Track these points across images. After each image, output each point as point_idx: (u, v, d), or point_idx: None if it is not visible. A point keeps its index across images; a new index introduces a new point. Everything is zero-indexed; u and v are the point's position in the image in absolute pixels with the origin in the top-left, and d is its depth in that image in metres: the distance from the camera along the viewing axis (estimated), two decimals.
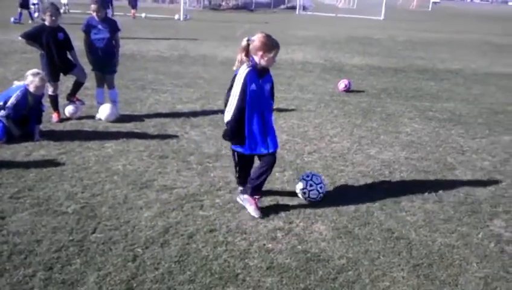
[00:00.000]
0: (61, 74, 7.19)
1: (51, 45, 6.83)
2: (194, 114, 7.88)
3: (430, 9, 65.98)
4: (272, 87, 4.66)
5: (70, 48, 7.08)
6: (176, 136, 6.68)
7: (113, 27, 7.29)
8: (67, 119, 7.21)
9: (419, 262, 3.82)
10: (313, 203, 4.74)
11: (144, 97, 8.80)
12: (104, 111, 7.19)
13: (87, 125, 7.01)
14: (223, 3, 42.58)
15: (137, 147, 6.16)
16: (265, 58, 4.38)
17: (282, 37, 20.67)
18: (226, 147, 6.27)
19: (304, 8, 44.91)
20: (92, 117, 7.33)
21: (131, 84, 9.56)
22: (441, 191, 5.22)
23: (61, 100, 7.43)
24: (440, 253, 3.97)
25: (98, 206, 4.51)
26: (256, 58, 4.40)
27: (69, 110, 7.23)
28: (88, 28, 7.14)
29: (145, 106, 8.23)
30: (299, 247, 3.95)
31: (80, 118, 7.28)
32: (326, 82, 11.30)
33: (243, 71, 4.37)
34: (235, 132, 4.43)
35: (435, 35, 26.17)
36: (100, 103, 7.46)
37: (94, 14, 7.12)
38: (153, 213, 4.40)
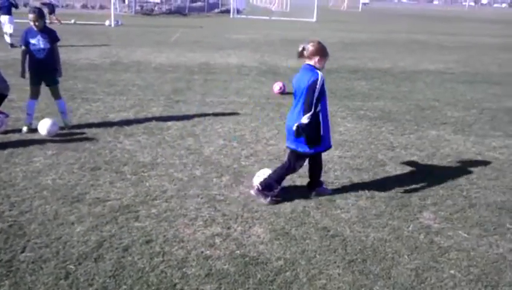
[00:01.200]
0: None
1: None
2: (128, 122, 7.71)
3: (360, 10, 68.32)
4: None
5: None
6: (108, 147, 6.50)
7: (52, 37, 7.04)
8: None
9: (353, 258, 3.93)
10: (250, 207, 4.76)
11: (74, 108, 8.50)
12: (45, 126, 6.81)
13: (14, 139, 6.68)
14: (156, 8, 41.98)
15: (67, 160, 5.93)
16: (322, 62, 4.90)
17: (216, 41, 20.80)
18: (162, 155, 6.19)
19: (238, 12, 45.20)
20: (19, 130, 7.00)
21: (62, 95, 9.19)
22: (373, 188, 5.40)
23: None
24: (373, 248, 4.11)
25: (27, 223, 4.30)
26: (312, 62, 4.88)
27: None
28: (27, 39, 6.84)
29: (75, 116, 7.95)
30: (238, 252, 3.95)
31: (5, 131, 6.92)
32: (262, 85, 11.41)
33: (321, 76, 4.77)
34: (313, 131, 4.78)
35: (365, 35, 27.09)
36: (30, 115, 7.14)
37: (32, 24, 6.84)
38: (86, 227, 4.25)
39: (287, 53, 17.46)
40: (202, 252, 3.93)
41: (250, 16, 43.74)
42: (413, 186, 5.51)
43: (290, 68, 14.06)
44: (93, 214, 4.52)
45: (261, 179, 4.99)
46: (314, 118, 4.71)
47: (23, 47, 6.95)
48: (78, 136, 6.95)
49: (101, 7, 40.59)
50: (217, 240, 4.12)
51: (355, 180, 5.65)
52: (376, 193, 5.26)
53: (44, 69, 7.04)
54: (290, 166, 5.06)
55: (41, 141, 6.60)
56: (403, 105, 9.79)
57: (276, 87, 10.43)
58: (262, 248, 4.02)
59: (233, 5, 43.60)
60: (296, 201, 4.97)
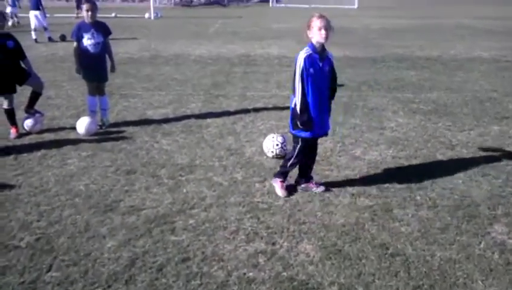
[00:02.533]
0: (17, 85, 6.61)
1: (0, 54, 6.23)
2: (166, 120, 7.37)
3: None
4: (332, 70, 4.76)
5: (23, 56, 6.48)
6: (145, 147, 6.17)
7: (106, 30, 6.81)
8: (27, 133, 6.62)
9: (419, 283, 3.40)
10: (297, 218, 4.30)
11: (112, 104, 8.21)
12: (83, 124, 6.54)
13: (48, 139, 6.45)
14: (195, 0, 41.80)
15: (102, 162, 5.63)
16: (310, 35, 4.54)
17: (256, 32, 20.29)
18: (201, 157, 5.81)
19: (277, 1, 44.43)
20: (54, 130, 6.77)
21: None
22: (434, 195, 4.82)
23: (20, 113, 6.84)
24: (441, 270, 3.56)
25: (56, 236, 3.99)
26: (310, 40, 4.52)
27: (27, 123, 6.64)
28: (80, 34, 6.57)
29: (112, 113, 7.66)
30: (284, 274, 3.50)
31: (41, 131, 6.71)
32: None
33: (302, 55, 4.47)
34: (309, 119, 4.52)
35: (409, 21, 25.94)
36: (94, 112, 6.93)
37: (87, 15, 6.56)
38: (118, 242, 3.89)
39: (328, 42, 16.74)
40: (244, 274, 3.49)
41: (289, 4, 42.92)
42: (480, 192, 4.89)
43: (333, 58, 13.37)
44: (127, 225, 4.17)
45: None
46: (302, 101, 4.45)
47: (75, 43, 6.69)
48: (115, 135, 6.65)
49: (141, 0, 40.73)
50: (261, 259, 3.68)
51: (413, 185, 5.07)
52: (438, 201, 4.68)
53: (99, 64, 6.85)
54: (292, 152, 4.81)
55: (76, 141, 6.33)
56: (459, 97, 9.03)
57: None
58: (312, 270, 3.55)
59: None
60: (348, 210, 4.47)
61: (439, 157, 5.90)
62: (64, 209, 4.45)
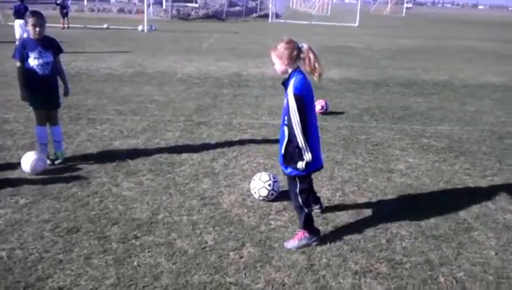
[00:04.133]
0: None
1: None
2: (134, 153, 6.23)
3: (404, 14, 65.76)
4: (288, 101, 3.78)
5: None
6: (100, 192, 5.01)
7: (56, 47, 5.65)
8: None
9: None
10: None
11: (74, 132, 7.09)
12: (28, 161, 5.38)
13: None
14: (193, 13, 40.94)
15: (41, 215, 4.47)
16: None
17: (252, 48, 19.23)
18: (166, 208, 4.68)
19: (277, 16, 43.72)
20: None
21: (65, 114, 7.80)
22: (461, 274, 3.69)
23: None
24: None
25: None
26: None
27: None
28: (25, 52, 5.41)
29: (72, 144, 6.52)
30: None
31: None
32: None
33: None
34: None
35: (412, 41, 25.06)
36: (44, 145, 5.80)
37: (32, 30, 5.42)
38: None
39: (328, 62, 15.73)
40: None
41: (289, 20, 42.13)
42: None
43: (332, 81, 12.34)
44: None
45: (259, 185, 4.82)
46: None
47: (18, 63, 5.53)
48: (67, 174, 5.50)
49: (138, 11, 39.78)
50: None
51: (433, 257, 3.93)
52: (468, 284, 3.53)
53: (49, 88, 5.64)
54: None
55: (18, 182, 5.18)
56: (474, 131, 7.94)
57: (318, 106, 8.74)
58: None
59: (272, 10, 42.14)
60: None
61: (462, 215, 4.76)
62: None
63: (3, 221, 4.32)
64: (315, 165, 3.91)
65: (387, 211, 4.78)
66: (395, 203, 4.96)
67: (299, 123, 3.68)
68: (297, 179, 3.95)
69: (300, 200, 3.99)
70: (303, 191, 3.99)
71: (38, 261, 3.70)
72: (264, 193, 4.83)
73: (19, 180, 5.25)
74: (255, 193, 4.88)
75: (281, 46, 3.83)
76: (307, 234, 4.04)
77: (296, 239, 4.05)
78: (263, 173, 4.99)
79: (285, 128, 3.84)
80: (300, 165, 3.77)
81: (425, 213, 4.73)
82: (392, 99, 10.25)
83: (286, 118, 3.81)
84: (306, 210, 4.03)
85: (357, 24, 37.50)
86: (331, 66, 14.87)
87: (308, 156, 3.73)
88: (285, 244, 4.06)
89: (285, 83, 3.88)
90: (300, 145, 3.71)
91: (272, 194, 4.86)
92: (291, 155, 3.83)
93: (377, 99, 10.19)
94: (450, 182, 5.64)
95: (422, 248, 4.07)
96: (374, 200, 5.05)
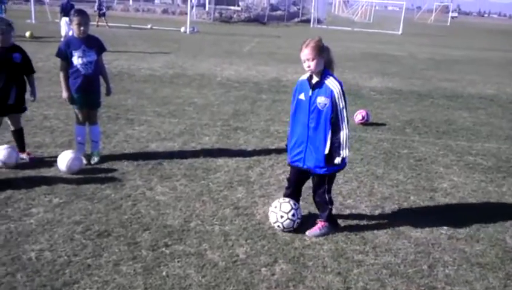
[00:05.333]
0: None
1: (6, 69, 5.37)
2: (169, 156, 6.17)
3: (448, 23, 64.19)
4: (333, 103, 3.96)
5: (31, 70, 5.69)
6: (133, 196, 4.95)
7: (99, 47, 5.67)
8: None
9: None
10: None
11: (113, 131, 7.10)
12: (65, 160, 5.36)
13: (22, 175, 5.30)
14: (235, 16, 41.12)
15: (73, 216, 4.43)
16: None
17: (292, 53, 19.03)
18: (199, 216, 4.57)
19: (319, 22, 43.42)
20: (37, 161, 5.68)
21: (104, 113, 7.83)
22: None
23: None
24: None
25: None
26: None
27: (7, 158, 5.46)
28: (69, 51, 5.44)
29: (109, 144, 6.52)
30: None
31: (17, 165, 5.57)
32: None
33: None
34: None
35: (458, 52, 24.31)
36: (82, 144, 5.83)
37: (77, 29, 5.43)
38: None
39: (370, 70, 15.44)
40: None
41: (331, 26, 41.75)
42: None
43: (374, 90, 12.03)
44: None
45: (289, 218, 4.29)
46: None
47: (61, 62, 5.55)
48: (102, 175, 5.47)
49: (181, 13, 40.25)
50: None
51: (478, 285, 3.66)
52: None
53: (91, 87, 5.66)
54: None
55: (53, 181, 5.18)
56: None
57: (358, 116, 8.51)
58: None
59: (313, 15, 41.87)
60: None
61: (510, 242, 4.44)
62: None
63: (35, 220, 4.30)
64: (344, 162, 4.18)
65: (429, 233, 4.51)
66: (437, 226, 4.68)
67: (347, 119, 3.98)
68: (327, 178, 4.19)
69: (327, 197, 4.26)
70: (330, 189, 4.29)
71: (66, 264, 3.64)
72: (290, 224, 4.27)
73: (54, 178, 5.25)
74: (279, 226, 4.29)
75: (319, 43, 3.96)
76: (328, 224, 4.31)
77: (318, 228, 4.30)
78: (282, 202, 4.35)
79: (324, 129, 4.00)
80: (338, 160, 4.04)
81: (471, 238, 4.44)
82: (436, 112, 9.87)
83: (329, 117, 3.95)
84: (330, 206, 4.32)
85: (400, 32, 36.76)
86: (373, 75, 14.54)
87: (346, 152, 4.02)
88: (307, 233, 4.27)
89: (318, 83, 3.98)
90: (345, 140, 3.98)
91: (298, 223, 4.33)
92: (331, 154, 4.03)
93: (421, 112, 9.83)
94: (497, 205, 5.31)
95: (467, 277, 3.80)
96: (415, 220, 4.78)
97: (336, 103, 3.93)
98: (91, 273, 3.56)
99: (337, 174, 5.88)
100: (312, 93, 4.01)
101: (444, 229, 4.60)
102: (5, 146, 5.48)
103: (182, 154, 6.28)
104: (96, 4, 26.11)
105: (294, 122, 4.22)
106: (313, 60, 3.90)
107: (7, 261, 3.63)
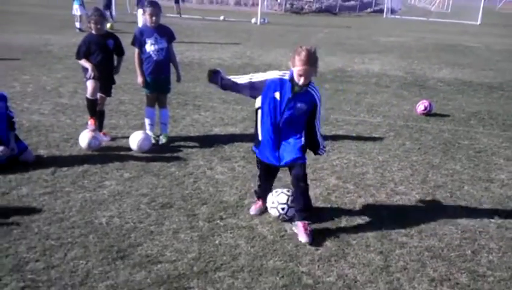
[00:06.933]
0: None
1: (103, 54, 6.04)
2: (231, 140, 6.54)
3: None
4: (313, 111, 4.09)
5: (122, 52, 6.33)
6: (195, 174, 5.37)
7: (170, 35, 6.18)
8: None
9: None
10: None
11: (180, 116, 7.60)
12: (135, 140, 5.89)
13: (98, 153, 5.87)
14: (306, 7, 41.02)
15: (141, 189, 4.91)
16: (294, 70, 3.92)
17: (361, 44, 18.94)
18: (252, 195, 4.86)
19: (392, 12, 42.32)
20: (111, 141, 6.26)
21: (174, 99, 8.35)
22: None
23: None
24: None
25: (45, 287, 3.28)
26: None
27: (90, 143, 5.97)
28: (142, 39, 6.00)
29: (177, 127, 7.01)
30: None
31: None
32: (403, 101, 9.49)
33: (273, 74, 4.08)
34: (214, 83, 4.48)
35: None
36: (151, 126, 6.38)
37: (149, 19, 5.99)
38: None
39: (440, 61, 15.04)
40: None
41: (405, 16, 40.59)
42: None
43: (442, 81, 11.79)
44: (130, 286, 3.34)
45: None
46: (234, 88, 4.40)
47: (136, 50, 6.11)
48: (168, 154, 5.94)
49: (253, 4, 40.78)
50: None
51: None
52: None
53: (162, 72, 6.19)
54: None
55: (125, 158, 5.71)
56: None
57: (421, 106, 8.47)
58: None
59: (387, 5, 40.87)
60: None
61: None
62: (71, 249, 3.75)
63: (108, 191, 4.82)
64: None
65: (478, 221, 4.55)
66: (488, 214, 4.70)
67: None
68: (304, 167, 4.12)
69: (307, 182, 4.17)
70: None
71: (132, 229, 4.10)
72: (292, 212, 4.26)
73: (126, 156, 5.79)
74: (283, 218, 4.31)
75: (316, 55, 3.92)
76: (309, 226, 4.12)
77: (309, 232, 4.04)
78: (276, 195, 4.36)
79: (297, 125, 4.09)
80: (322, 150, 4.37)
81: None
82: (505, 105, 9.56)
83: (304, 119, 4.07)
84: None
85: (478, 22, 35.06)
86: (443, 66, 14.18)
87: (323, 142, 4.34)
88: (304, 242, 3.99)
89: (302, 89, 3.95)
90: (320, 135, 4.27)
91: (284, 219, 4.31)
92: (307, 145, 4.20)
93: (489, 104, 9.57)
94: None
95: (510, 264, 3.85)
96: (466, 209, 4.83)
97: (315, 111, 4.06)
98: (153, 238, 3.98)
99: (391, 161, 6.03)
100: (294, 98, 3.97)
101: (495, 219, 4.62)
102: (141, 132, 6.05)
103: (242, 138, 6.63)
104: None
105: (264, 121, 4.11)
106: (309, 75, 3.91)
107: (81, 225, 4.14)
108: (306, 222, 4.09)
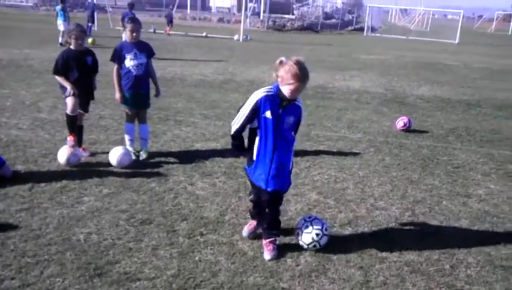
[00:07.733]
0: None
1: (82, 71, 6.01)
2: (212, 155, 6.52)
3: (510, 32, 61.77)
4: (297, 122, 4.05)
5: (96, 71, 6.28)
6: (175, 189, 5.33)
7: (149, 51, 6.17)
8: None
9: None
10: None
11: (162, 131, 7.57)
12: (115, 155, 5.85)
13: (77, 168, 5.80)
14: (288, 24, 41.51)
15: (119, 205, 4.85)
16: (285, 87, 3.77)
17: (341, 61, 19.17)
18: (234, 210, 4.86)
19: (373, 30, 43.07)
20: (91, 156, 6.18)
21: (155, 115, 8.32)
22: None
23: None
24: None
25: None
26: (280, 84, 3.81)
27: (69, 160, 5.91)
28: (122, 54, 5.98)
29: (158, 143, 6.97)
30: None
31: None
32: (383, 117, 9.61)
33: (258, 94, 3.91)
34: (238, 148, 4.21)
35: None
36: (131, 141, 6.33)
37: (129, 35, 5.99)
38: None
39: (420, 79, 15.33)
40: None
41: (385, 34, 41.33)
42: None
43: (421, 98, 11.99)
44: None
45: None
46: (238, 132, 4.10)
47: (116, 66, 6.09)
48: (149, 170, 5.90)
49: (236, 21, 41.12)
50: None
51: (498, 286, 3.74)
52: None
53: (141, 87, 6.15)
54: None
55: (104, 173, 5.64)
56: None
57: (400, 122, 8.58)
58: None
59: (367, 23, 41.59)
60: None
61: None
62: (47, 267, 3.68)
63: (86, 207, 4.75)
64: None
65: (456, 236, 4.61)
66: (466, 229, 4.76)
67: None
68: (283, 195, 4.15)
69: (280, 213, 4.24)
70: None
71: (110, 246, 4.04)
72: (325, 239, 4.15)
73: (105, 171, 5.72)
74: (315, 245, 4.12)
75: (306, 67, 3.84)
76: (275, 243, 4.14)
77: (274, 249, 4.08)
78: (310, 220, 4.20)
79: (289, 147, 4.04)
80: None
81: (498, 243, 4.50)
82: (482, 121, 9.76)
83: (292, 134, 4.02)
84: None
85: (457, 41, 35.88)
86: (422, 83, 14.43)
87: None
88: (269, 258, 4.01)
89: (292, 104, 3.91)
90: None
91: (315, 246, 4.13)
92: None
93: (466, 120, 9.75)
94: None
95: (488, 278, 3.89)
96: (444, 224, 4.89)
97: (299, 121, 4.03)
98: (132, 255, 3.93)
99: (371, 176, 6.09)
100: (282, 112, 3.85)
101: (472, 233, 4.68)
102: (121, 148, 6.00)
103: (223, 154, 6.62)
104: (166, 13, 27.79)
105: (261, 141, 3.96)
106: (299, 90, 3.81)
107: (58, 241, 4.07)
108: (272, 239, 4.12)
